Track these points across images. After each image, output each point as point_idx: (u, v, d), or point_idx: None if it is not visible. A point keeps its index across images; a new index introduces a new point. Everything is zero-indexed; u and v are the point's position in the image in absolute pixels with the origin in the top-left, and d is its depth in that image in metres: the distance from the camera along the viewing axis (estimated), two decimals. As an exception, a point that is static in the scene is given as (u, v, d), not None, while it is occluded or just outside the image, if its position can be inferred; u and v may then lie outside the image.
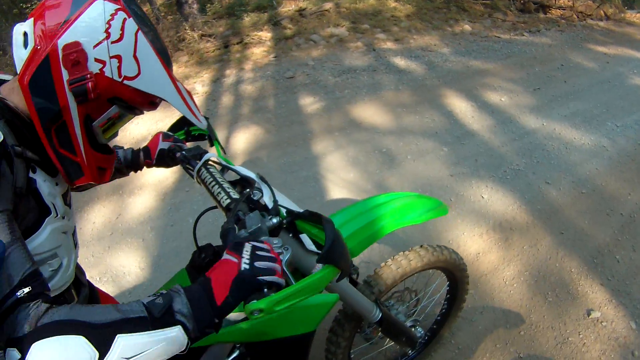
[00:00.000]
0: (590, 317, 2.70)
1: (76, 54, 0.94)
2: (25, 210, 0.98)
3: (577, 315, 2.71)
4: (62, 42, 0.93)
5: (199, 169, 1.52)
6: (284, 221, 1.28)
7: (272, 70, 6.98)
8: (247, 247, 1.01)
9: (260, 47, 8.18)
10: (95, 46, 0.95)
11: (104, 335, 0.80)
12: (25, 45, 0.96)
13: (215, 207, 1.43)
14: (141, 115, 1.20)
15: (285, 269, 1.05)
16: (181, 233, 3.46)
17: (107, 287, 2.99)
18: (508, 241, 3.26)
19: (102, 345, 0.78)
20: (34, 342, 0.75)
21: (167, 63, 1.07)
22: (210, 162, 1.55)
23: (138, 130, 5.09)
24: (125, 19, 0.97)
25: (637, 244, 3.29)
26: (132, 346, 0.81)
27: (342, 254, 1.11)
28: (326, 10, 9.60)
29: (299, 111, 5.51)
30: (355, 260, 2.94)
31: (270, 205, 1.30)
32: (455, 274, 2.08)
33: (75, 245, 1.23)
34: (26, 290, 0.83)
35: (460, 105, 5.59)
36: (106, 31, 0.95)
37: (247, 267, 0.96)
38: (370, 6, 10.08)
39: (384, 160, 4.31)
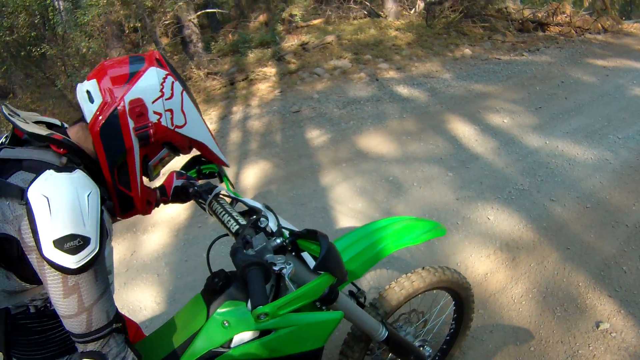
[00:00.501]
0: (599, 328, 2.76)
1: (139, 108, 1.19)
2: None
3: (586, 328, 2.77)
4: (128, 97, 1.18)
5: (211, 202, 1.69)
6: (287, 241, 1.44)
7: (278, 105, 7.21)
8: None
9: (265, 82, 8.41)
10: (153, 102, 1.21)
11: None
12: (91, 100, 1.19)
13: (226, 235, 1.58)
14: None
15: (287, 280, 1.23)
16: (195, 268, 3.61)
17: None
18: (515, 260, 3.35)
19: None
20: None
21: (201, 115, 1.35)
22: (220, 195, 1.73)
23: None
24: (173, 82, 1.24)
25: (644, 254, 3.36)
26: None
27: (336, 262, 1.29)
28: (328, 43, 9.85)
29: (306, 144, 5.70)
30: (365, 285, 3.06)
31: (275, 229, 1.46)
32: (460, 293, 2.18)
33: None
34: (119, 325, 1.18)
35: (463, 130, 5.74)
36: (161, 91, 1.22)
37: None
38: (371, 36, 10.32)
39: (391, 188, 4.45)
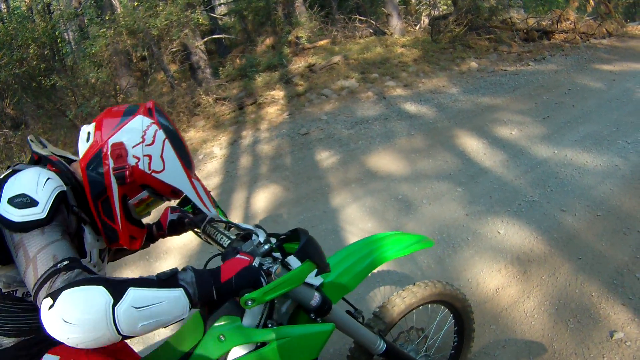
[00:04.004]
0: (613, 338, 2.76)
1: (119, 150, 1.32)
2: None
3: (600, 338, 2.77)
4: (111, 141, 1.33)
5: (205, 227, 1.82)
6: (274, 245, 1.56)
7: (287, 128, 7.33)
8: (258, 257, 1.36)
9: (273, 106, 8.54)
10: (134, 146, 1.34)
11: (119, 287, 1.07)
12: (88, 140, 1.37)
13: (220, 253, 1.67)
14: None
15: (274, 276, 1.35)
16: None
17: (137, 347, 3.16)
18: (526, 273, 3.37)
19: (117, 294, 1.05)
20: (64, 291, 1.03)
21: (187, 165, 1.44)
22: (214, 221, 1.85)
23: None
24: (156, 130, 1.37)
25: (657, 260, 3.35)
26: (140, 298, 1.08)
27: (315, 249, 1.42)
28: (335, 64, 9.97)
29: (316, 166, 5.80)
30: (373, 305, 3.08)
31: (262, 240, 1.57)
32: (456, 305, 2.22)
33: None
34: (65, 262, 1.14)
35: (472, 144, 5.78)
36: (142, 137, 1.35)
37: (256, 265, 1.31)
38: (377, 54, 10.43)
39: (401, 207, 4.50)
